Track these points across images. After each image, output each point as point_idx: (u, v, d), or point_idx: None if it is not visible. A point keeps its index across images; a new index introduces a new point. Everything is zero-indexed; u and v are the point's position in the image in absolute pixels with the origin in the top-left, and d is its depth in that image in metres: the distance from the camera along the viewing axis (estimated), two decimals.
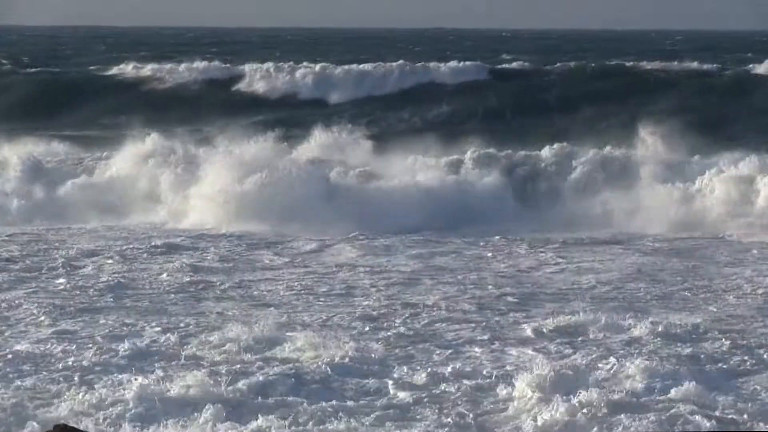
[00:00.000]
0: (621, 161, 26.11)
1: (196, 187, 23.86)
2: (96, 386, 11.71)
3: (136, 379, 11.82)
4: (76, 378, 12.04)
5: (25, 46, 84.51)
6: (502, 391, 11.63)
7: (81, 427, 10.02)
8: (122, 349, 13.05)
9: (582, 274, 18.03)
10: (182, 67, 48.09)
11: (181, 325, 14.40)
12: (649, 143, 27.17)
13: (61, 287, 16.66)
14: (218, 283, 17.10)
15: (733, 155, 25.22)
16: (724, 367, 12.61)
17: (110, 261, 18.72)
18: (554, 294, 16.56)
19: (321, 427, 10.76)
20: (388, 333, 14.03)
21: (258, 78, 45.97)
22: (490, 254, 19.91)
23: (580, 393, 11.30)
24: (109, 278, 17.28)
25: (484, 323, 14.61)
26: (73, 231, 21.93)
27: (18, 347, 13.23)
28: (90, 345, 13.30)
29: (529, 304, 15.80)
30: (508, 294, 16.47)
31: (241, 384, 11.81)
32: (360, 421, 10.90)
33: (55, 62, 61.09)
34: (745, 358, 12.92)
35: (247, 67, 47.19)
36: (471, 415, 11.12)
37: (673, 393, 11.48)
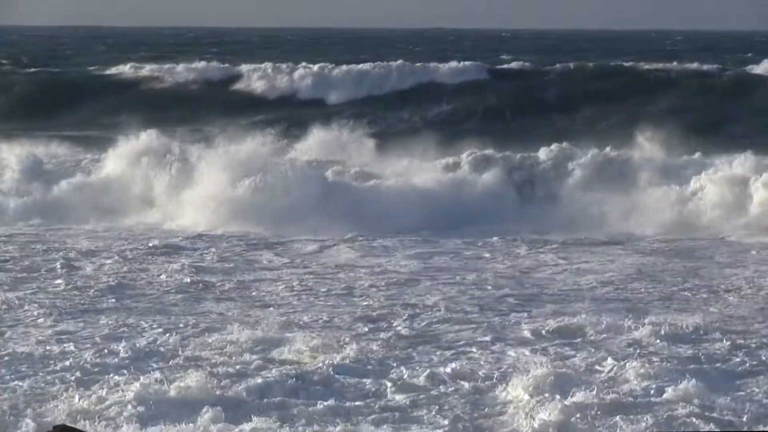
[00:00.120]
0: (620, 162, 26.10)
1: (194, 189, 23.80)
2: (95, 387, 11.69)
3: (135, 380, 11.81)
4: (75, 378, 12.03)
5: (24, 47, 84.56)
6: (501, 392, 11.62)
7: (80, 428, 10.03)
8: (122, 350, 13.03)
9: (582, 275, 18.02)
10: (182, 67, 48.12)
11: (181, 325, 14.39)
12: (648, 144, 27.14)
13: (61, 288, 16.65)
14: (218, 284, 17.09)
15: (731, 156, 25.20)
16: (725, 368, 12.59)
17: (109, 261, 18.70)
18: (554, 295, 16.55)
19: (320, 428, 10.74)
20: (388, 334, 14.02)
21: (257, 78, 45.98)
22: (489, 255, 19.90)
23: (579, 394, 11.30)
24: (109, 279, 17.27)
25: (483, 324, 14.60)
26: (72, 231, 21.92)
27: (17, 348, 13.21)
28: (89, 345, 13.29)
29: (528, 305, 15.79)
30: (508, 295, 16.47)
31: (241, 385, 11.81)
32: (359, 422, 10.88)
33: (55, 62, 61.10)
34: (746, 359, 12.90)
35: (247, 68, 47.21)
36: (470, 417, 11.11)
37: (673, 394, 11.47)
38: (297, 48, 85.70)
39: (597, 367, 12.50)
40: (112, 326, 14.37)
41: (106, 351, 13.03)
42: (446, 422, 10.97)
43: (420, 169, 25.75)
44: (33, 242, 20.63)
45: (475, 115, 40.12)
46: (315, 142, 29.19)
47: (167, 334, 13.86)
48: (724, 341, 13.56)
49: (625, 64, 49.04)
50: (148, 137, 26.53)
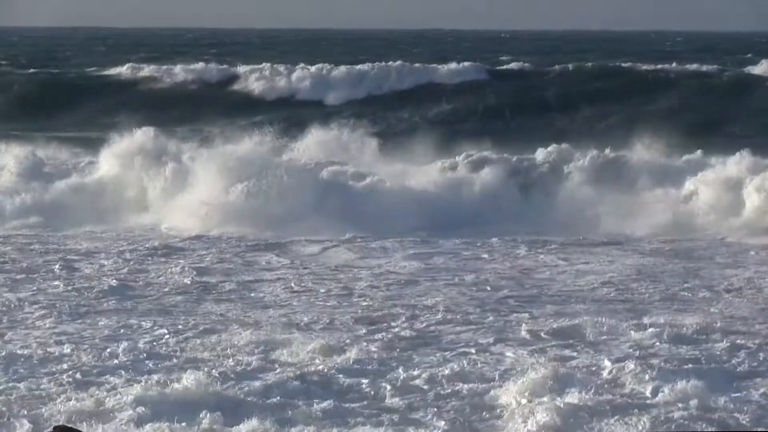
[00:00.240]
0: (618, 163, 26.08)
1: (191, 191, 23.76)
2: (95, 388, 11.69)
3: (135, 381, 11.82)
4: (74, 380, 12.02)
5: (23, 47, 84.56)
6: (500, 393, 11.59)
7: (80, 429, 10.02)
8: (121, 351, 13.03)
9: (582, 276, 18.00)
10: (181, 68, 48.14)
11: (181, 326, 14.38)
12: (647, 144, 27.13)
13: (60, 289, 16.63)
14: (217, 285, 17.08)
15: (730, 156, 25.16)
16: (726, 368, 12.58)
17: (108, 262, 18.69)
18: (554, 295, 16.53)
19: (319, 429, 10.73)
20: (387, 335, 14.00)
21: (256, 79, 46.02)
22: (488, 256, 19.88)
23: (579, 395, 11.29)
24: (108, 280, 17.25)
25: (483, 325, 14.58)
26: (70, 233, 21.89)
27: (16, 349, 13.20)
28: (89, 347, 13.28)
29: (528, 306, 15.77)
30: (508, 296, 16.45)
31: (241, 386, 11.81)
32: (358, 424, 10.87)
33: (54, 63, 61.14)
34: (747, 359, 12.89)
35: (246, 68, 47.24)
36: (469, 419, 11.10)
37: (673, 395, 11.46)
38: (296, 49, 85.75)
39: (597, 368, 12.48)
40: (112, 327, 14.36)
41: (105, 352, 13.03)
42: (445, 424, 10.96)
43: (419, 170, 25.73)
44: (31, 243, 20.61)
45: (474, 116, 40.15)
46: (313, 143, 29.16)
47: (167, 335, 13.86)
48: (725, 342, 13.54)
49: (624, 64, 49.08)
50: (144, 136, 26.46)
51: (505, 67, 50.99)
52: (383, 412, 11.23)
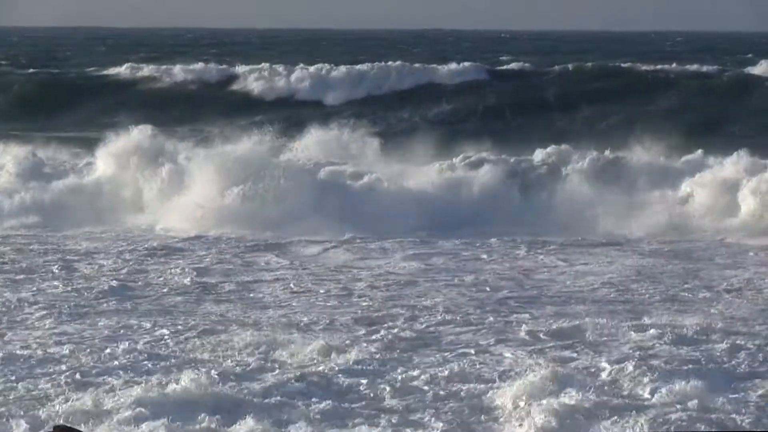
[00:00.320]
0: (618, 163, 26.07)
1: (189, 191, 23.73)
2: (95, 388, 11.67)
3: (135, 381, 11.82)
4: (74, 380, 12.01)
5: (23, 47, 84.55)
6: (500, 394, 11.58)
7: (79, 429, 10.01)
8: (121, 351, 13.02)
9: (581, 277, 17.99)
10: (180, 68, 48.13)
11: (180, 326, 14.36)
12: (646, 145, 27.13)
13: (59, 289, 16.61)
14: (217, 285, 17.07)
15: (728, 157, 25.15)
16: (726, 369, 12.57)
17: (108, 263, 18.68)
18: (554, 296, 16.52)
19: (318, 429, 10.72)
20: (387, 336, 13.99)
21: (256, 79, 46.03)
22: (488, 256, 19.86)
23: (580, 396, 11.27)
24: (108, 280, 17.24)
25: (483, 326, 14.57)
26: (69, 233, 21.88)
27: (16, 350, 13.19)
28: (89, 347, 13.27)
29: (528, 307, 15.76)
30: (507, 296, 16.44)
31: (240, 386, 11.79)
32: (357, 424, 10.86)
33: (54, 63, 61.14)
34: (747, 360, 12.89)
35: (245, 69, 47.23)
36: (468, 419, 11.08)
37: (673, 395, 11.45)
38: (296, 49, 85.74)
39: (596, 369, 12.46)
40: (112, 328, 14.34)
41: (105, 352, 13.02)
42: (444, 425, 10.94)
43: (419, 171, 25.71)
44: (30, 243, 20.60)
45: (474, 116, 40.16)
46: (313, 143, 29.14)
47: (167, 336, 13.85)
48: (725, 343, 13.52)
49: (624, 65, 49.10)
50: (142, 134, 26.41)
51: (505, 67, 51.01)
52: (382, 413, 11.22)
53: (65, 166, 27.33)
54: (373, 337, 13.91)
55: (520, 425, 10.81)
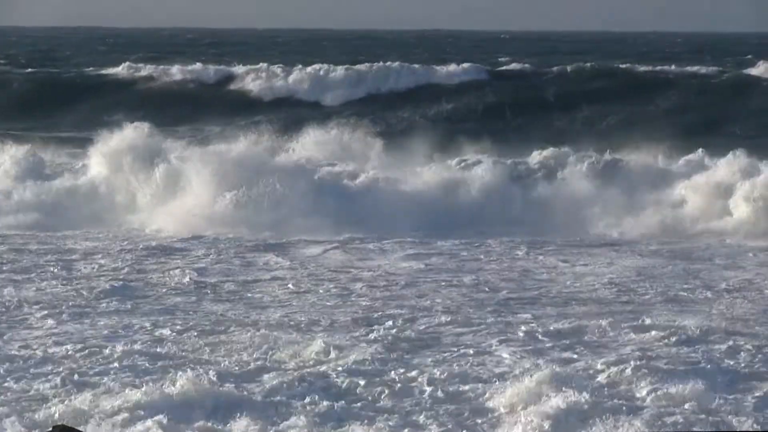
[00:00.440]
0: (617, 164, 26.04)
1: (184, 194, 23.69)
2: (94, 388, 11.67)
3: (134, 382, 11.81)
4: (73, 380, 12.00)
5: (22, 47, 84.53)
6: (500, 395, 11.56)
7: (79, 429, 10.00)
8: (120, 351, 13.00)
9: (581, 277, 17.97)
10: (178, 68, 48.09)
11: (180, 327, 14.34)
12: (646, 146, 27.12)
13: (58, 289, 16.59)
14: (216, 285, 17.05)
15: (726, 157, 25.12)
16: (727, 369, 12.55)
17: (107, 263, 18.66)
18: (554, 297, 16.50)
19: (317, 429, 10.70)
20: (386, 336, 13.96)
21: (255, 79, 46.01)
22: (488, 257, 19.84)
23: (580, 396, 11.25)
24: (107, 280, 17.22)
25: (482, 326, 14.54)
26: (68, 233, 21.86)
27: (15, 350, 13.17)
28: (88, 347, 13.24)
29: (528, 307, 15.73)
30: (507, 297, 16.42)
31: (240, 386, 11.79)
32: (356, 425, 10.84)
33: (53, 63, 61.12)
34: (748, 360, 12.88)
35: (244, 69, 47.20)
36: (467, 420, 11.07)
37: (673, 396, 11.46)
38: (296, 49, 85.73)
39: (596, 369, 12.45)
40: (111, 327, 14.32)
41: (104, 352, 12.99)
42: (443, 426, 10.93)
43: (417, 171, 25.69)
44: (29, 243, 20.57)
45: (473, 117, 40.16)
46: (312, 143, 29.08)
47: (166, 336, 13.84)
48: (726, 343, 13.51)
49: (623, 66, 49.13)
50: (138, 133, 26.36)
51: (504, 68, 51.01)
52: (381, 414, 11.21)
53: (63, 165, 27.30)
54: (373, 337, 13.89)
55: (520, 426, 10.78)
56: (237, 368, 12.44)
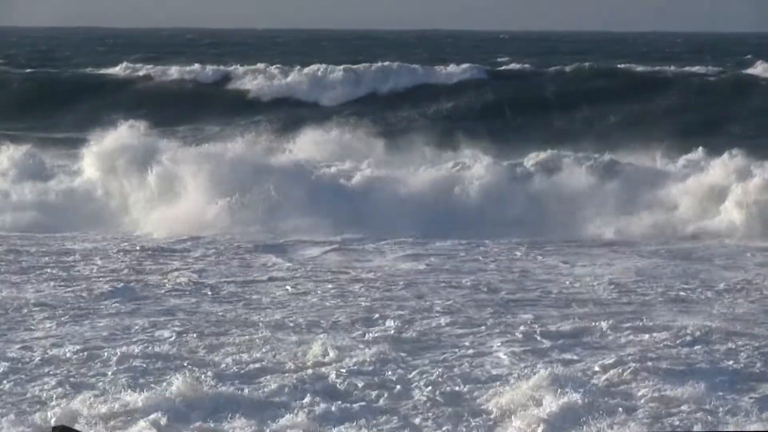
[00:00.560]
0: (616, 165, 26.04)
1: (187, 193, 23.68)
2: (93, 389, 11.66)
3: (133, 382, 11.80)
4: (73, 380, 11.99)
5: (22, 48, 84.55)
6: (500, 396, 11.54)
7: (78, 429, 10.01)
8: (120, 352, 12.99)
9: (581, 278, 17.96)
10: (179, 69, 48.09)
11: (179, 328, 14.33)
12: (645, 146, 27.12)
13: (57, 290, 16.58)
14: (216, 286, 17.04)
15: (723, 157, 25.10)
16: (727, 370, 12.54)
17: (107, 264, 18.65)
18: (554, 297, 16.49)
19: (316, 430, 10.69)
20: (385, 337, 13.95)
21: (254, 80, 45.96)
22: (487, 258, 19.84)
23: (580, 397, 11.24)
24: (106, 281, 17.21)
25: (482, 327, 14.53)
26: (67, 234, 21.85)
27: (13, 351, 13.16)
28: (87, 348, 13.23)
29: (528, 308, 15.72)
30: (507, 297, 16.41)
31: (239, 387, 11.77)
32: (355, 425, 10.83)
33: (52, 63, 61.11)
34: (749, 360, 12.87)
35: (243, 69, 47.19)
36: (466, 421, 11.05)
37: (674, 396, 11.44)
38: (295, 49, 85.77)
39: (596, 370, 12.44)
40: (111, 329, 14.31)
41: (104, 353, 12.98)
42: (443, 427, 10.91)
43: (417, 172, 25.68)
44: (28, 244, 20.55)
45: (472, 117, 40.14)
46: (311, 143, 29.08)
47: (165, 337, 13.83)
48: (726, 343, 13.51)
49: (623, 66, 49.15)
50: (135, 133, 26.33)
51: (503, 68, 51.02)
52: (380, 415, 11.19)
53: (61, 166, 27.26)
54: (372, 338, 13.88)
55: (519, 428, 10.77)
56: (236, 369, 12.43)
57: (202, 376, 11.95)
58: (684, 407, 11.21)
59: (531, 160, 26.51)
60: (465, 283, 17.40)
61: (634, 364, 12.43)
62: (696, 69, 47.29)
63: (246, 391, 11.69)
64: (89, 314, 15.07)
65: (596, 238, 21.90)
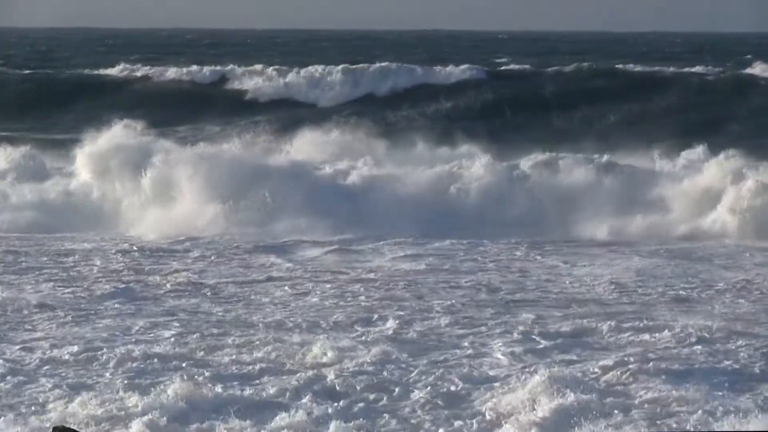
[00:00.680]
0: (616, 165, 26.02)
1: (187, 194, 23.65)
2: (92, 390, 11.65)
3: (133, 383, 11.80)
4: (73, 381, 11.99)
5: (21, 48, 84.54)
6: (500, 396, 11.54)
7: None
8: (119, 353, 12.98)
9: (582, 278, 17.95)
10: (177, 70, 48.05)
11: (179, 328, 14.31)
12: (644, 146, 27.12)
13: (57, 291, 16.57)
14: (216, 287, 17.03)
15: (721, 157, 25.08)
16: (727, 370, 12.53)
17: (106, 264, 18.64)
18: (555, 297, 16.48)
19: (316, 430, 10.67)
20: (385, 337, 13.94)
21: (253, 80, 45.95)
22: (487, 258, 19.82)
23: (580, 397, 11.23)
24: (105, 282, 17.20)
25: (482, 327, 14.52)
26: (65, 235, 21.84)
27: (12, 352, 13.15)
28: (87, 348, 13.22)
29: (528, 308, 15.71)
30: (507, 298, 16.40)
31: (239, 387, 11.77)
32: (355, 425, 10.82)
33: (52, 64, 61.10)
34: (750, 360, 12.86)
35: (242, 70, 47.18)
36: (466, 421, 11.04)
37: (674, 396, 11.44)
38: (294, 50, 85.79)
39: (597, 370, 12.42)
40: (111, 329, 14.30)
41: (104, 354, 12.97)
42: (442, 428, 10.89)
43: (416, 172, 25.67)
44: (26, 246, 20.54)
45: (471, 118, 40.14)
46: (310, 144, 29.05)
47: (165, 337, 13.81)
48: (726, 343, 13.50)
49: (622, 66, 49.15)
50: (131, 133, 26.29)
51: (503, 68, 51.02)
52: (379, 415, 11.18)
53: (60, 167, 27.25)
54: (371, 338, 13.87)
55: (519, 429, 10.75)
56: (236, 370, 12.43)
57: (202, 377, 11.94)
58: (684, 407, 11.20)
59: (530, 161, 26.50)
60: (464, 284, 17.40)
61: (634, 365, 12.42)
62: (695, 69, 47.33)
63: (245, 391, 11.68)
64: (89, 315, 15.06)
65: (595, 238, 21.89)
